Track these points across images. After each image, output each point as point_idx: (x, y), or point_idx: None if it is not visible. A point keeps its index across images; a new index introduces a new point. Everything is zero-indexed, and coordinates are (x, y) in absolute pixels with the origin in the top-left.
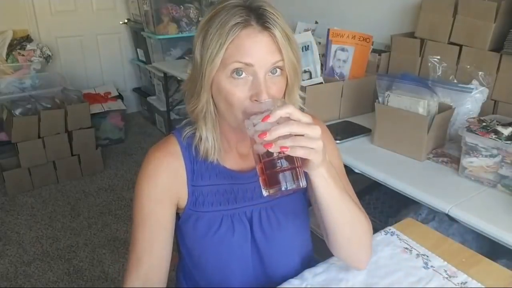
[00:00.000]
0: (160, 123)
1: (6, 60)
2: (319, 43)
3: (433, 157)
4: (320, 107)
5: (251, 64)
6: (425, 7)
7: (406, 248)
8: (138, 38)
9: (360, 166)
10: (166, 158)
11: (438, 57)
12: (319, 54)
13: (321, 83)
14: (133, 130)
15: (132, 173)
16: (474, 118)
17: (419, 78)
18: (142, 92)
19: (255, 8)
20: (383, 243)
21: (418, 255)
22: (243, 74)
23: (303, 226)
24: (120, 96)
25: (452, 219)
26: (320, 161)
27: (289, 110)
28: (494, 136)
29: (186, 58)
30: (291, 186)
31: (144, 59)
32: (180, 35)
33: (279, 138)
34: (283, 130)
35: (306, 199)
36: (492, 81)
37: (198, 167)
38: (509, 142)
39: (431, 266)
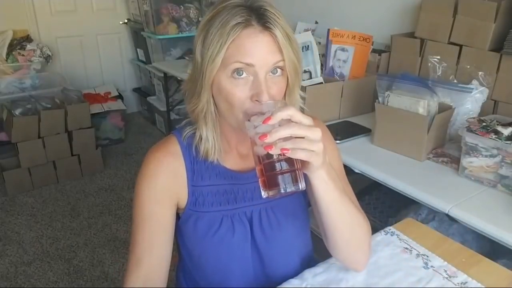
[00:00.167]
0: (160, 123)
1: (6, 60)
2: (319, 43)
3: (433, 157)
4: (320, 107)
5: (251, 64)
6: (425, 7)
7: (406, 248)
8: (138, 38)
9: (360, 166)
10: (166, 158)
11: (438, 57)
12: (319, 54)
13: (321, 83)
14: (133, 130)
15: (132, 173)
16: (474, 118)
17: (419, 78)
18: (142, 92)
19: (256, 8)
20: (383, 243)
21: (418, 255)
22: (244, 74)
23: (303, 227)
24: (120, 96)
25: (452, 219)
26: (320, 163)
27: (290, 112)
28: (494, 136)
29: (186, 58)
30: (290, 188)
31: (144, 59)
32: (180, 35)
33: (279, 140)
34: (283, 132)
35: (306, 199)
36: (492, 81)
37: (198, 167)
38: (509, 142)
39: (431, 266)
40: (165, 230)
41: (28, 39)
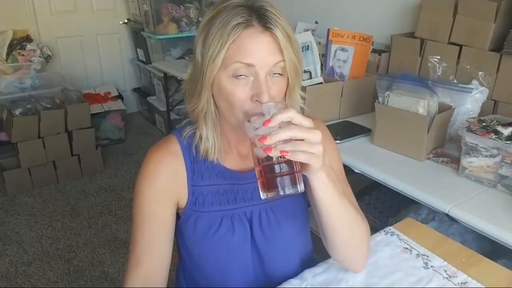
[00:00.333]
0: (160, 123)
1: (6, 60)
2: (319, 43)
3: (433, 157)
4: (320, 107)
5: (252, 65)
6: (425, 7)
7: (406, 248)
8: (138, 38)
9: (360, 166)
10: (166, 158)
11: (438, 57)
12: (319, 54)
13: (321, 83)
14: (133, 130)
15: (132, 173)
16: (474, 118)
17: (419, 78)
18: (142, 92)
19: (257, 8)
20: (383, 243)
21: (418, 255)
22: (244, 75)
23: (302, 227)
24: (120, 96)
25: (452, 219)
26: (320, 165)
27: (291, 114)
28: (494, 136)
29: (186, 58)
30: (289, 191)
31: (144, 59)
32: (180, 35)
33: (279, 142)
34: (283, 135)
35: (306, 199)
36: (492, 81)
37: (198, 167)
38: (509, 142)
39: (431, 266)
40: (165, 230)
41: (28, 39)
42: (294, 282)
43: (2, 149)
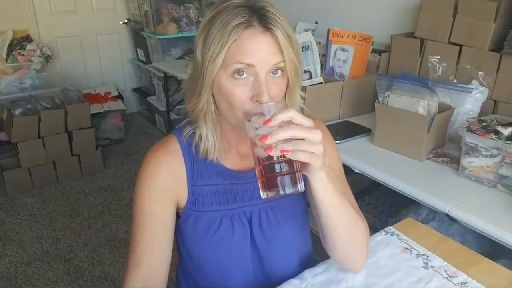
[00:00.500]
0: (160, 123)
1: (6, 60)
2: (319, 43)
3: (433, 157)
4: (320, 107)
5: (252, 65)
6: (425, 7)
7: (406, 248)
8: (138, 38)
9: (360, 166)
10: (166, 157)
11: (438, 57)
12: (319, 54)
13: (321, 83)
14: (133, 130)
15: (132, 173)
16: (474, 118)
17: (419, 78)
18: (142, 92)
19: (258, 9)
20: (383, 243)
21: (418, 255)
22: (244, 75)
23: (302, 227)
24: (120, 96)
25: (452, 219)
26: (320, 165)
27: (291, 114)
28: (494, 136)
29: (186, 58)
30: (289, 190)
31: (144, 59)
32: (180, 35)
33: (279, 141)
34: (284, 134)
35: (306, 199)
36: (492, 81)
37: (198, 167)
38: (509, 142)
39: (431, 266)
40: (165, 229)
41: (28, 39)
42: (294, 282)
43: (2, 149)
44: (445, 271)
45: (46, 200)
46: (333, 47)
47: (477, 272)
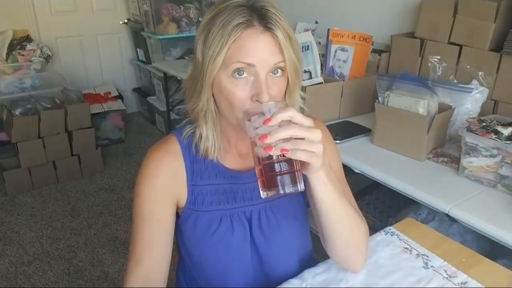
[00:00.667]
0: (160, 123)
1: (6, 60)
2: (319, 43)
3: (433, 157)
4: (320, 107)
5: (252, 65)
6: (425, 7)
7: (406, 248)
8: (138, 38)
9: (360, 166)
10: (165, 157)
11: (438, 57)
12: (319, 54)
13: (321, 83)
14: (133, 130)
15: (132, 173)
16: (474, 118)
17: (419, 78)
18: (142, 92)
19: (258, 8)
20: (383, 243)
21: (418, 255)
22: (245, 74)
23: (302, 227)
24: (120, 96)
25: (452, 219)
26: (320, 164)
27: (291, 113)
28: (494, 136)
29: (186, 58)
30: (289, 189)
31: (144, 59)
32: (180, 35)
33: (279, 141)
34: (284, 133)
35: (305, 199)
36: (492, 81)
37: (198, 167)
38: (509, 142)
39: (431, 266)
40: (165, 229)
41: (28, 39)
42: (294, 282)
43: (2, 149)
44: (445, 271)
45: (46, 200)
46: (333, 47)
47: (477, 272)
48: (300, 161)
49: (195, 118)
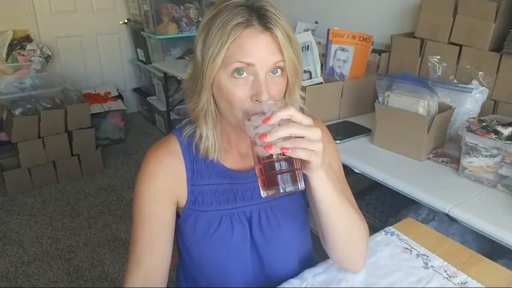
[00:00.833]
0: (160, 123)
1: (6, 60)
2: (319, 43)
3: (433, 157)
4: (320, 107)
5: (252, 64)
6: (425, 7)
7: (406, 248)
8: (138, 38)
9: (360, 166)
10: (165, 157)
11: (438, 57)
12: (319, 54)
13: (321, 83)
14: (133, 130)
15: (132, 173)
16: (474, 118)
17: (419, 78)
18: (142, 92)
19: (257, 8)
20: (383, 243)
21: (418, 255)
22: (244, 74)
23: (302, 227)
24: (120, 96)
25: (452, 219)
26: (320, 163)
27: (290, 112)
28: (494, 136)
29: (186, 58)
30: (289, 188)
31: (144, 59)
32: (180, 35)
33: (279, 139)
34: (283, 132)
35: (305, 199)
36: (492, 81)
37: (198, 167)
38: (509, 142)
39: (431, 266)
40: (165, 229)
41: (28, 39)
42: (294, 282)
43: (2, 149)
44: (445, 271)
45: (46, 200)
46: (333, 47)
47: (477, 272)
48: (300, 160)
49: (195, 118)
